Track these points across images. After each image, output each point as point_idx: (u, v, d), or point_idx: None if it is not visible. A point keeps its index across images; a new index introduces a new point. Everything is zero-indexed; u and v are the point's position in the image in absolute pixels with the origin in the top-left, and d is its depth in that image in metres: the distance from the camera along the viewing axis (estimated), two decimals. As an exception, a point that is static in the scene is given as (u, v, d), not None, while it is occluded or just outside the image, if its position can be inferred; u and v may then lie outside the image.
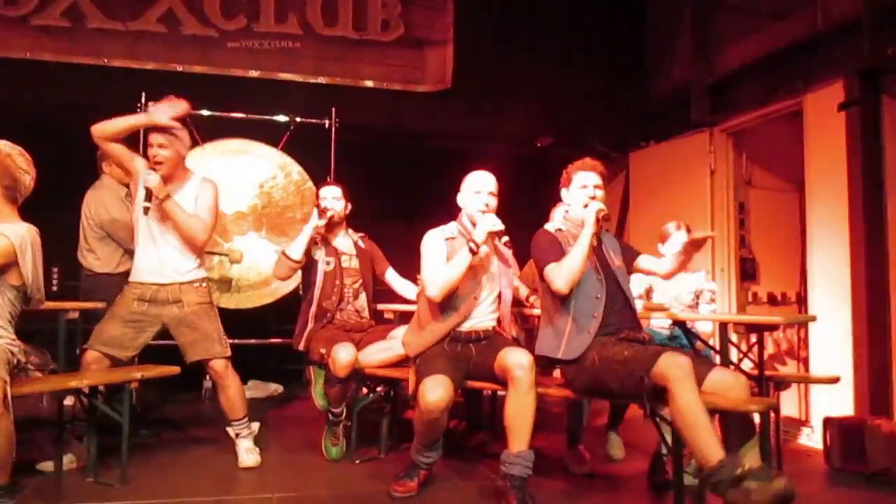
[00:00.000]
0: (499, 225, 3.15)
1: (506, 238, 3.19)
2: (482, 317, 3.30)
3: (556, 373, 3.54)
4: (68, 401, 3.65)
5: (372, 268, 4.07)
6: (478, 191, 3.29)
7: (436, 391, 2.94)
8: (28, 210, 3.00)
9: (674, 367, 2.63)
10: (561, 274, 2.97)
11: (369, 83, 6.09)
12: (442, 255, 3.23)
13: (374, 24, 6.11)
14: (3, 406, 2.54)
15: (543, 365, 3.14)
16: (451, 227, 3.35)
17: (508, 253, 3.37)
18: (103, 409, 3.33)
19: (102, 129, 3.40)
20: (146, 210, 3.40)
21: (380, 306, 4.23)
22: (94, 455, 3.38)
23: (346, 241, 4.06)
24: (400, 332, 3.69)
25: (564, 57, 6.33)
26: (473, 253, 3.12)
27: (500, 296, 3.36)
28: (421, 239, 3.32)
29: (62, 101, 5.59)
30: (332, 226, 3.96)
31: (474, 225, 3.23)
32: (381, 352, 3.64)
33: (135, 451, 3.53)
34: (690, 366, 2.64)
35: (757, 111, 5.34)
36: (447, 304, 3.22)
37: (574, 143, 6.11)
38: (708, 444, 2.54)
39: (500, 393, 3.35)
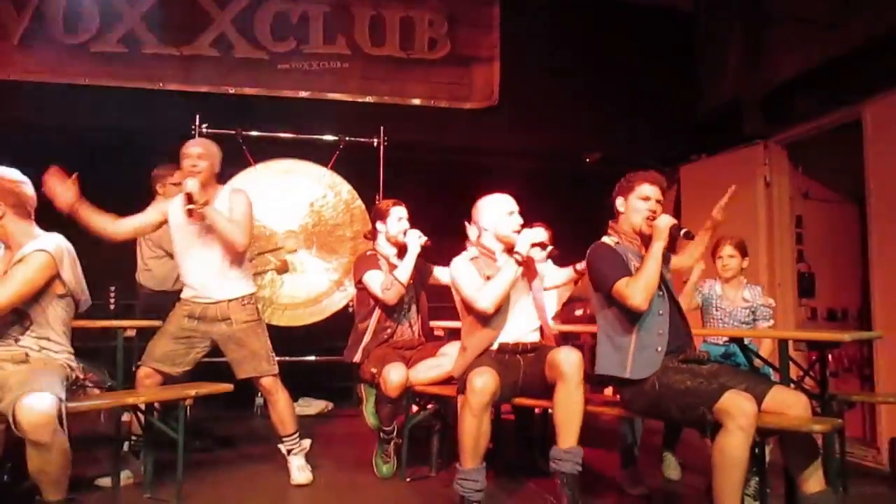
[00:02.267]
0: (540, 237, 3.28)
1: (550, 248, 3.31)
2: (523, 329, 3.33)
3: (608, 390, 3.49)
4: (125, 417, 3.72)
5: (423, 281, 4.06)
6: (511, 211, 3.39)
7: (483, 377, 2.98)
8: (82, 233, 3.07)
9: (738, 412, 2.59)
10: (639, 289, 2.88)
11: (416, 101, 6.13)
12: (476, 275, 3.31)
13: (421, 43, 6.16)
14: (59, 423, 2.59)
15: (595, 382, 3.10)
16: (470, 251, 3.46)
17: (547, 262, 3.46)
18: (159, 426, 3.38)
19: (113, 233, 3.49)
20: (189, 213, 3.44)
21: (432, 322, 4.22)
22: (150, 471, 3.43)
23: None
24: (450, 348, 3.69)
25: (612, 71, 6.27)
26: (520, 265, 3.23)
27: (536, 307, 3.39)
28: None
29: (119, 125, 5.75)
30: (397, 244, 3.97)
31: (504, 243, 3.34)
32: (432, 369, 3.63)
33: (190, 467, 3.57)
34: (755, 415, 2.60)
35: (813, 122, 5.20)
36: (482, 321, 3.26)
37: (622, 158, 6.04)
38: (734, 490, 2.59)
39: (550, 411, 3.31)
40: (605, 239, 3.17)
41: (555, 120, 6.21)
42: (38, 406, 2.53)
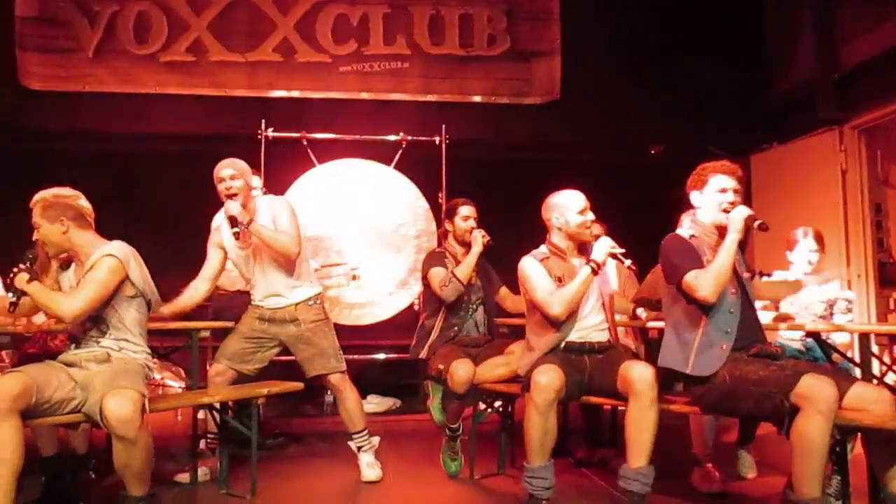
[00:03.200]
0: (618, 248, 3.19)
1: (629, 262, 3.20)
2: (590, 329, 3.28)
3: (679, 387, 3.41)
4: (201, 415, 3.83)
5: (492, 286, 4.06)
6: (583, 209, 3.32)
7: (547, 374, 2.96)
8: (158, 233, 3.18)
9: (818, 395, 2.51)
10: (708, 281, 2.80)
11: (477, 98, 6.13)
12: (546, 276, 3.26)
13: (481, 40, 6.16)
14: (143, 420, 2.69)
15: (666, 378, 3.03)
16: (541, 250, 3.39)
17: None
18: (234, 424, 3.47)
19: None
20: (237, 235, 3.50)
21: (497, 320, 4.21)
22: (225, 468, 3.52)
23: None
24: (517, 346, 3.66)
25: (676, 59, 6.13)
26: (595, 273, 3.18)
27: (603, 307, 3.34)
28: (528, 251, 3.36)
29: (188, 132, 5.92)
30: (464, 243, 3.98)
31: (577, 242, 3.32)
32: (499, 367, 3.61)
33: (263, 463, 3.65)
34: (835, 398, 2.51)
35: (890, 105, 4.98)
36: (551, 322, 3.21)
37: (689, 149, 5.91)
38: (814, 478, 2.52)
39: (620, 408, 3.27)
40: (679, 231, 3.08)
41: (618, 112, 6.13)
42: (124, 403, 2.64)
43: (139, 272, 2.99)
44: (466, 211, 3.99)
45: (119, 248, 2.95)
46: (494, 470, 3.78)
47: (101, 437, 3.44)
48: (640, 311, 3.72)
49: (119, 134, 5.95)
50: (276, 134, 5.52)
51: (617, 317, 3.58)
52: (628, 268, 3.26)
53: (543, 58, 6.16)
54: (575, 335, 3.24)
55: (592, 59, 6.11)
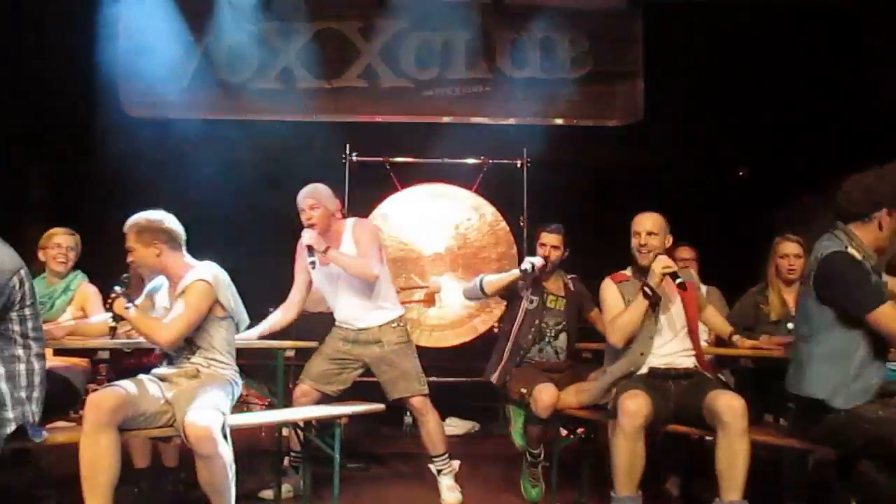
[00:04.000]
0: (672, 266, 3.12)
1: (679, 279, 3.12)
2: (676, 354, 3.20)
3: (768, 417, 3.28)
4: (285, 433, 3.90)
5: (579, 310, 4.00)
6: (636, 232, 3.26)
7: (635, 399, 2.91)
8: (245, 257, 3.28)
9: None
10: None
11: (559, 121, 6.12)
12: (618, 300, 3.23)
13: (563, 63, 6.15)
14: (222, 437, 2.76)
15: (756, 408, 2.91)
16: (625, 270, 3.37)
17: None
18: (317, 443, 3.52)
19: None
20: (313, 265, 3.58)
21: (578, 344, 4.14)
22: (308, 486, 3.57)
23: (557, 282, 4.00)
24: (599, 373, 3.60)
25: (763, 78, 5.95)
26: (647, 297, 3.11)
27: (690, 332, 3.25)
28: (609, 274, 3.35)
29: (277, 156, 6.11)
30: (550, 271, 3.95)
31: (636, 266, 3.25)
32: (582, 392, 3.55)
33: (345, 483, 3.68)
34: None
35: None
36: (623, 347, 3.16)
37: (777, 170, 5.72)
38: None
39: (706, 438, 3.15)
40: (850, 250, 2.67)
41: (704, 132, 5.99)
42: (202, 420, 2.72)
43: (228, 294, 3.08)
44: (543, 239, 3.94)
45: (209, 270, 3.05)
46: (576, 498, 3.70)
47: (190, 450, 3.55)
48: (736, 338, 3.57)
49: (210, 159, 6.18)
50: (360, 158, 5.63)
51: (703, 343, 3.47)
52: (682, 286, 3.13)
53: (626, 79, 6.10)
54: (659, 360, 3.17)
55: (676, 80, 6.00)
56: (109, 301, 3.02)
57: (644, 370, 3.17)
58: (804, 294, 2.79)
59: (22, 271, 2.59)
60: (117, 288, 3.03)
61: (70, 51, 5.81)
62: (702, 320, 3.49)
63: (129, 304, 2.99)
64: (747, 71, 5.96)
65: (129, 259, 3.16)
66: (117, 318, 3.01)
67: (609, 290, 3.27)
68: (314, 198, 3.66)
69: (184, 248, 3.15)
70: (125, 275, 3.22)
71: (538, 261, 3.77)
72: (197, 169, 6.19)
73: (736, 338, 3.55)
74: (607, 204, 6.40)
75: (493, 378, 3.87)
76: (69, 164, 6.33)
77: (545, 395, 3.48)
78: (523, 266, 3.78)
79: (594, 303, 3.99)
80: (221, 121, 6.17)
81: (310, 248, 3.56)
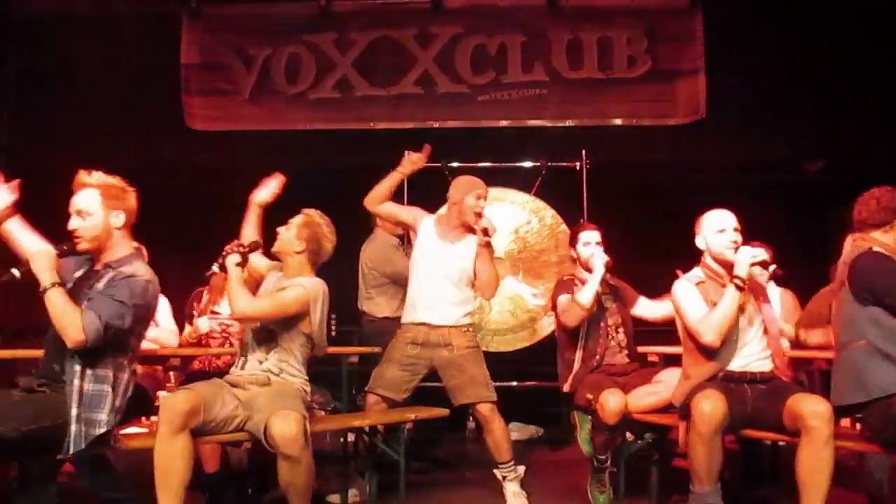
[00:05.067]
0: (761, 255, 3.03)
1: (773, 266, 3.09)
2: (752, 357, 3.10)
3: (844, 421, 3.16)
4: (350, 438, 3.93)
5: (624, 305, 3.93)
6: (721, 229, 3.16)
7: (711, 402, 2.85)
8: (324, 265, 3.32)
9: None
10: None
11: (618, 121, 6.04)
12: (700, 301, 3.12)
13: (620, 62, 6.07)
14: (305, 440, 2.79)
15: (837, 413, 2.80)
16: (695, 273, 3.25)
17: (769, 283, 3.21)
18: (382, 448, 3.54)
19: (371, 198, 3.81)
20: (488, 244, 3.64)
21: (643, 349, 4.07)
22: (374, 490, 3.59)
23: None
24: (665, 375, 3.53)
25: (834, 67, 5.75)
26: (741, 289, 3.00)
27: (766, 334, 3.14)
28: (672, 277, 3.26)
29: (334, 166, 6.18)
30: (590, 269, 3.89)
31: (722, 264, 3.13)
32: (649, 396, 3.48)
33: (411, 488, 3.68)
34: None
35: None
36: (708, 350, 3.06)
37: (850, 165, 5.51)
38: None
39: (780, 443, 3.06)
40: (876, 249, 2.84)
41: (768, 128, 5.83)
42: (290, 423, 2.75)
43: (319, 316, 3.12)
44: (587, 237, 3.88)
45: (315, 285, 3.11)
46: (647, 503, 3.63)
47: (258, 456, 3.61)
48: (803, 334, 3.45)
49: (274, 169, 6.28)
50: (418, 164, 5.64)
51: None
52: (773, 273, 3.05)
53: (686, 77, 5.98)
54: (735, 364, 3.07)
55: (738, 76, 5.86)
56: (227, 250, 3.07)
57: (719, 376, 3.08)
58: (843, 301, 2.86)
59: (157, 299, 2.86)
60: (244, 246, 3.12)
61: (134, 66, 6.00)
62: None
63: (239, 264, 3.06)
64: (813, 62, 5.78)
65: (278, 234, 3.24)
66: (221, 266, 3.06)
67: (689, 289, 3.16)
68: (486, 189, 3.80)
69: (317, 264, 3.24)
70: (255, 241, 3.31)
71: (605, 257, 3.75)
72: (258, 180, 6.31)
73: (803, 333, 3.43)
74: (669, 205, 6.29)
75: (566, 387, 3.82)
76: (137, 179, 6.51)
77: (612, 402, 3.42)
78: (596, 262, 3.73)
79: (635, 293, 3.93)
80: (281, 131, 6.27)
81: (485, 231, 3.61)
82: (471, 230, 3.72)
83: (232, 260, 3.04)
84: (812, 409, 2.71)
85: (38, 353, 2.82)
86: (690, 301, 3.13)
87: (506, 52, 6.16)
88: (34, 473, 2.89)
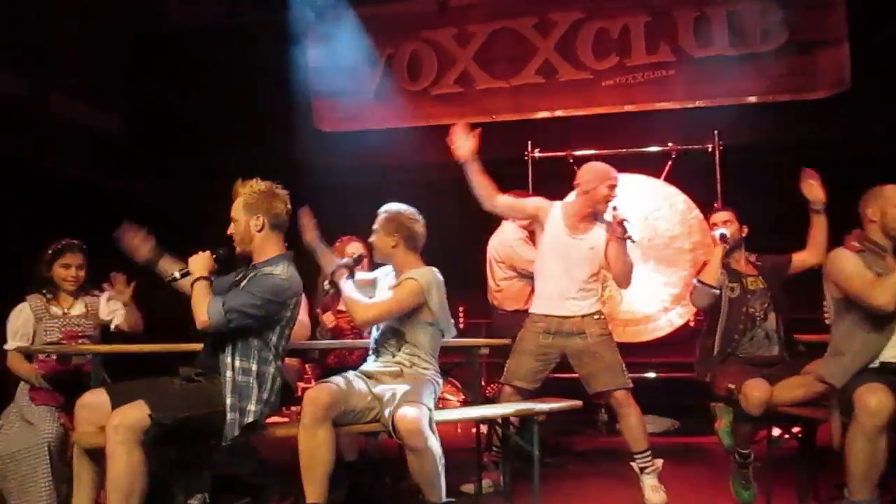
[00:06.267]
0: None
1: None
2: None
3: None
4: (482, 429, 3.95)
5: (780, 279, 3.71)
6: None
7: (877, 395, 2.66)
8: (437, 256, 3.36)
9: None
10: None
11: (752, 99, 5.73)
12: (862, 265, 2.92)
13: (753, 36, 5.76)
14: (430, 431, 2.83)
15: None
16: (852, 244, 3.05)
17: None
18: (515, 440, 3.53)
19: (482, 198, 3.76)
20: (629, 240, 3.57)
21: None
22: (508, 482, 3.59)
23: (746, 263, 3.77)
24: (816, 366, 3.31)
25: None
26: None
27: None
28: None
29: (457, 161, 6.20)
30: (730, 249, 3.73)
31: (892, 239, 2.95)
32: (797, 388, 3.27)
33: (545, 479, 3.65)
34: None
35: None
36: (867, 323, 2.86)
37: None
38: None
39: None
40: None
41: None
42: (411, 416, 2.81)
43: (438, 303, 3.16)
44: (716, 218, 3.78)
45: (426, 274, 3.16)
46: (795, 502, 3.43)
47: (395, 446, 3.69)
48: None
49: (395, 166, 6.41)
50: (541, 154, 5.60)
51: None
52: None
53: (828, 47, 5.58)
54: (890, 353, 2.84)
55: (886, 41, 5.40)
56: (335, 270, 3.21)
57: (875, 364, 2.86)
58: None
59: (300, 298, 3.01)
60: (349, 262, 3.25)
61: (265, 71, 6.27)
62: None
63: (349, 278, 3.18)
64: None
65: (370, 239, 3.33)
66: (334, 286, 3.19)
67: (850, 257, 2.97)
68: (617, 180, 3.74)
69: (418, 250, 3.28)
70: (360, 255, 3.46)
71: (724, 230, 3.65)
72: (382, 177, 6.47)
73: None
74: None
75: (703, 375, 3.68)
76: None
77: (757, 391, 3.24)
78: (718, 234, 3.65)
79: (788, 256, 3.72)
80: (404, 129, 6.38)
81: (622, 224, 3.56)
82: (601, 218, 3.65)
83: (340, 276, 3.17)
84: None
85: (198, 346, 3.02)
86: (852, 266, 2.93)
87: (629, 34, 5.98)
88: (191, 458, 3.10)
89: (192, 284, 2.87)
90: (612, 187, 3.65)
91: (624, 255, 3.60)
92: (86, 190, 5.59)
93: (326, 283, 3.23)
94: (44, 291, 3.45)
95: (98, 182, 5.82)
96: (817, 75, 5.61)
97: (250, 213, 2.94)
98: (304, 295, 4.05)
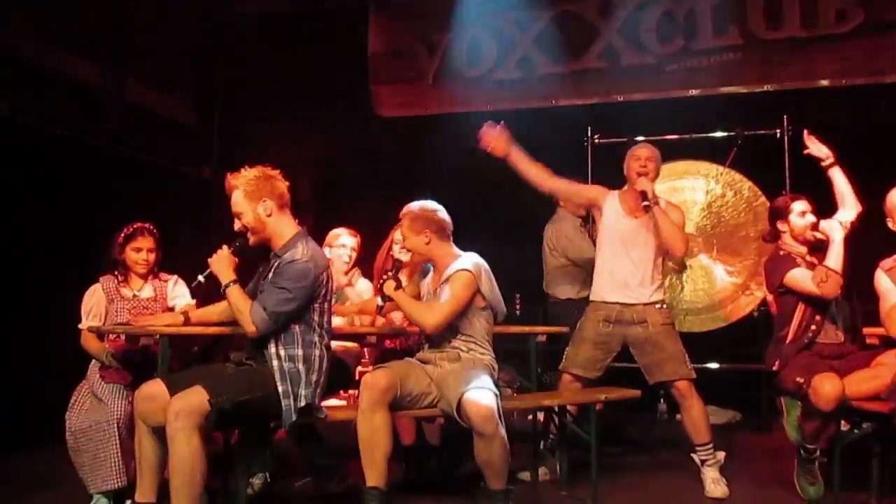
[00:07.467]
0: None
1: None
2: None
3: None
4: (539, 416, 3.93)
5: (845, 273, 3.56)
6: None
7: None
8: (491, 244, 3.36)
9: None
10: None
11: (825, 82, 5.51)
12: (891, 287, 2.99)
13: (827, 17, 5.52)
14: (499, 417, 2.82)
15: None
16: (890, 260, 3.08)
17: None
18: (573, 428, 3.51)
19: (540, 185, 3.78)
20: (647, 209, 3.58)
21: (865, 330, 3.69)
22: (565, 470, 3.58)
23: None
24: (889, 358, 3.19)
25: None
26: None
27: None
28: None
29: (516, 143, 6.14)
30: (805, 242, 3.59)
31: None
32: (868, 381, 3.15)
33: (603, 469, 3.62)
34: None
35: None
36: None
37: None
38: None
39: None
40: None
41: None
42: (483, 401, 2.80)
43: (489, 286, 3.18)
44: (801, 206, 3.59)
45: (472, 262, 3.16)
46: (865, 500, 3.31)
47: (450, 431, 3.71)
48: None
49: (454, 151, 6.38)
50: (602, 139, 5.51)
51: None
52: None
53: (909, 28, 5.31)
54: None
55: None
56: (382, 281, 3.25)
57: None
58: None
59: (329, 270, 2.99)
60: (389, 272, 3.27)
61: (324, 58, 6.33)
62: None
63: (399, 287, 3.20)
64: None
65: (402, 246, 3.40)
66: (385, 297, 3.21)
67: (881, 280, 3.05)
68: (651, 151, 3.79)
69: (451, 238, 3.29)
70: (397, 261, 3.48)
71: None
72: (442, 162, 6.47)
73: None
74: (888, 172, 5.67)
75: (776, 366, 3.56)
76: (331, 167, 6.90)
77: (828, 387, 3.12)
78: (833, 226, 3.48)
79: None
80: (462, 114, 6.35)
81: (643, 195, 3.59)
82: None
83: (389, 287, 3.18)
84: None
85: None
86: (883, 289, 3.01)
87: (695, 17, 5.81)
88: (252, 439, 3.18)
89: (223, 291, 2.90)
90: (637, 159, 3.67)
91: (666, 221, 3.58)
92: (159, 175, 5.74)
93: (379, 298, 3.26)
94: (115, 273, 3.56)
95: (169, 168, 5.97)
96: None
97: (255, 200, 2.92)
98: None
